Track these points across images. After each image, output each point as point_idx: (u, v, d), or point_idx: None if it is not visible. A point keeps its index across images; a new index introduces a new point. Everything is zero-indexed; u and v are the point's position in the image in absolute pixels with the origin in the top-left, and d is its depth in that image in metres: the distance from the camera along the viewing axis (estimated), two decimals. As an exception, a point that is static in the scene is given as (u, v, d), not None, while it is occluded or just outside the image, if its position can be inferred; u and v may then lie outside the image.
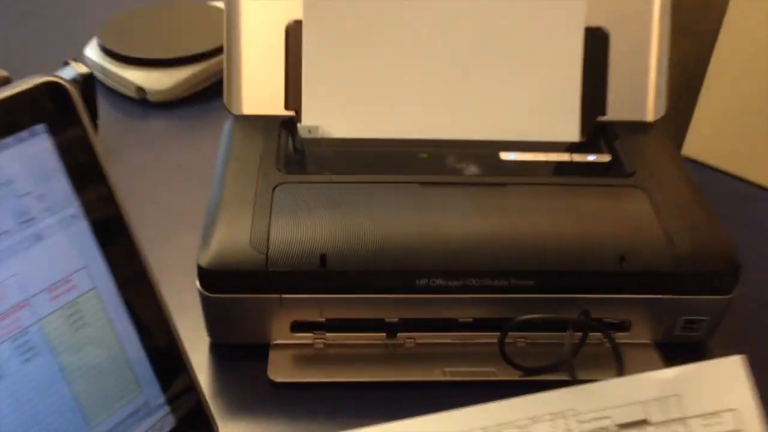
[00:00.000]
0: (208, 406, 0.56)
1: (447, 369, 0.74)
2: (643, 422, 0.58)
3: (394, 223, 0.72)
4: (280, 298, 0.76)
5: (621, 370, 0.74)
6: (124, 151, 1.08)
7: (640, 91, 0.89)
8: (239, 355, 0.73)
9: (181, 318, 0.58)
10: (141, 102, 1.18)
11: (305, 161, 0.80)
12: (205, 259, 0.68)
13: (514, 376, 0.72)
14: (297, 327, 0.74)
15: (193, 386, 0.53)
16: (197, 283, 0.68)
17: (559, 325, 0.76)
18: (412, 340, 0.77)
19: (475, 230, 0.72)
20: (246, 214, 0.71)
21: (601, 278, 0.71)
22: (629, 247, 0.70)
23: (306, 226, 0.71)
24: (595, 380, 0.62)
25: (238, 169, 0.77)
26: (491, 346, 0.73)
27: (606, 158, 0.81)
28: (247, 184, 0.74)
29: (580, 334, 0.70)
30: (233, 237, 0.70)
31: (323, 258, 0.70)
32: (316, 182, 0.75)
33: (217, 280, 0.69)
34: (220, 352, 0.74)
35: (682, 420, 0.56)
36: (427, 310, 0.73)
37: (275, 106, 0.84)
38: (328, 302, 0.73)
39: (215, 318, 0.73)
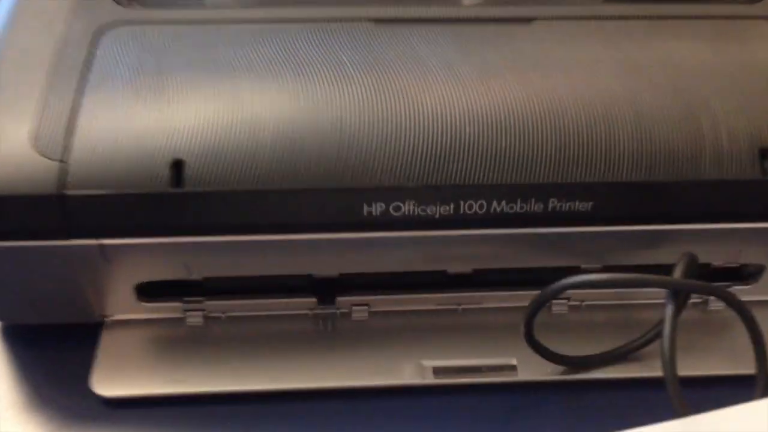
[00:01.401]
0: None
1: (426, 362, 0.45)
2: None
3: (320, 100, 0.42)
4: (100, 247, 0.39)
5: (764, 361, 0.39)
6: None
7: None
8: (50, 344, 0.46)
9: None
10: None
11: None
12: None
13: (547, 373, 0.45)
14: (149, 292, 0.46)
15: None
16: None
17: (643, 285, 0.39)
18: (364, 308, 0.48)
19: (477, 108, 0.42)
20: (33, 85, 0.42)
21: (721, 194, 0.42)
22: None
23: (149, 106, 0.41)
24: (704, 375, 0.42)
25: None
26: (505, 317, 0.47)
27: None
28: (50, 25, 0.45)
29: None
30: (4, 132, 0.40)
31: (178, 168, 0.40)
32: (181, 22, 0.46)
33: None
34: (15, 339, 0.47)
35: None
36: (387, 255, 0.44)
37: None
38: (197, 250, 0.41)
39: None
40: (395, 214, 0.40)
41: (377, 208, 0.40)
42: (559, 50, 0.44)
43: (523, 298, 0.45)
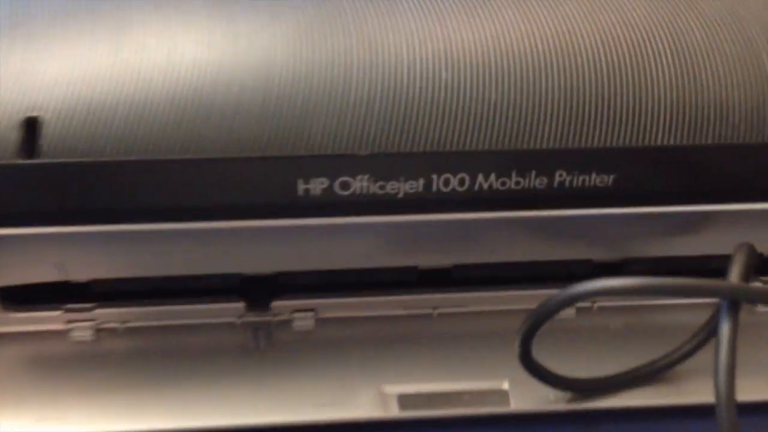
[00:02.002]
0: None
1: (389, 388, 0.34)
2: None
3: (239, 37, 0.31)
4: (-71, 240, 0.29)
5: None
6: None
7: None
8: None
9: None
10: None
11: None
12: None
13: (548, 401, 0.34)
14: (16, 298, 0.34)
15: None
16: None
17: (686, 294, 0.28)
18: (308, 314, 0.35)
19: (456, 50, 0.31)
20: None
21: None
22: None
23: None
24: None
25: None
26: (494, 324, 0.36)
27: None
28: None
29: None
30: None
31: (31, 129, 0.28)
32: None
33: None
34: None
35: None
36: (334, 250, 0.33)
37: None
38: (69, 243, 0.31)
39: None
40: (342, 193, 0.29)
41: (317, 186, 0.29)
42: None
43: (519, 299, 0.34)
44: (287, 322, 0.35)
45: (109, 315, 0.34)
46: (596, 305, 0.36)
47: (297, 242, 0.31)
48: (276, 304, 0.35)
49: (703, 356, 0.33)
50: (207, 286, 0.34)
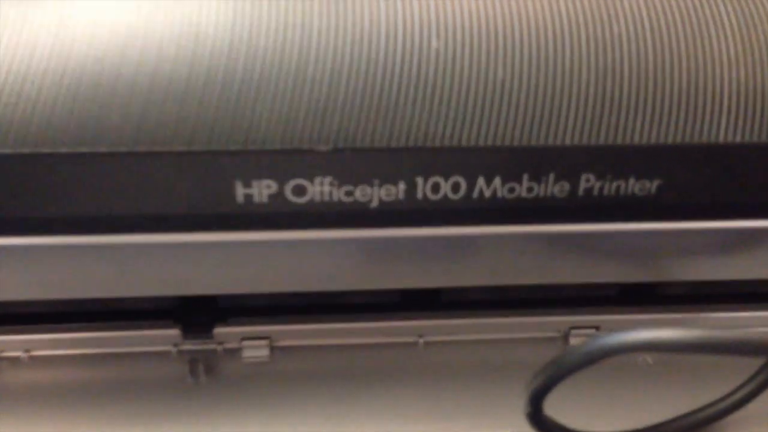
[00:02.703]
0: None
1: None
2: None
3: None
4: None
5: None
6: None
7: None
8: None
9: None
10: None
11: None
12: None
13: None
14: None
15: None
16: None
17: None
18: (262, 343, 0.27)
19: (449, 16, 0.22)
20: None
21: None
22: None
23: None
24: None
25: None
26: (495, 355, 0.29)
27: None
28: None
29: None
30: None
31: None
32: None
33: None
34: None
35: None
36: (286, 270, 0.25)
37: None
38: None
39: None
40: (297, 200, 0.22)
41: (262, 190, 0.22)
42: None
43: (526, 327, 0.27)
44: (235, 352, 0.28)
45: (9, 343, 0.27)
46: (621, 333, 0.29)
47: (240, 260, 0.24)
48: (219, 330, 0.28)
49: (760, 405, 0.26)
50: (136, 308, 0.27)
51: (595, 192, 0.22)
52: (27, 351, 0.27)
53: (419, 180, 0.22)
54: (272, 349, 0.28)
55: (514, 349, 0.29)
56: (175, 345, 0.28)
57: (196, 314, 0.27)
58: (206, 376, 0.28)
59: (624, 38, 0.22)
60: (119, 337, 0.28)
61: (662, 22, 0.22)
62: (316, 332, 0.28)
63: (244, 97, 0.21)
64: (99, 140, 0.21)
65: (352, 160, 0.21)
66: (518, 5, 0.22)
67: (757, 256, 0.25)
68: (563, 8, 0.22)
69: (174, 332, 0.28)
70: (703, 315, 0.28)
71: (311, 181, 0.21)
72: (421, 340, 0.29)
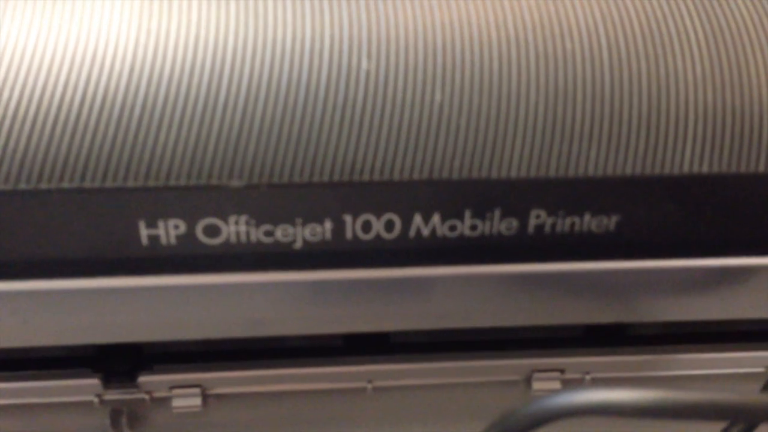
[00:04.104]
0: None
1: None
2: None
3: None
4: None
5: None
6: None
7: None
8: None
9: None
10: None
11: None
12: None
13: None
14: None
15: None
16: None
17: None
18: (193, 391, 0.26)
19: (387, 28, 0.20)
20: None
21: None
22: None
23: None
24: None
25: None
26: (451, 400, 0.27)
27: None
28: None
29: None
30: None
31: None
32: None
33: None
34: None
35: None
36: (202, 318, 0.22)
37: None
38: None
39: None
40: (209, 241, 0.19)
41: (170, 231, 0.19)
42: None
43: (484, 370, 0.25)
44: (164, 402, 0.26)
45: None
46: (590, 376, 0.27)
47: (153, 306, 0.21)
48: (145, 379, 0.25)
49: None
50: (53, 355, 0.25)
51: (547, 229, 0.20)
52: (-68, 403, 0.25)
53: (347, 218, 0.19)
54: (205, 397, 0.26)
55: (473, 394, 0.26)
56: (98, 395, 0.26)
57: (117, 362, 0.25)
58: (133, 429, 0.26)
59: (578, 56, 0.20)
60: (36, 388, 0.25)
61: (621, 37, 0.20)
62: (253, 379, 0.26)
63: (145, 125, 0.18)
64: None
65: (269, 197, 0.19)
66: (459, 18, 0.20)
67: (726, 295, 0.22)
68: (509, 22, 0.20)
69: (94, 381, 0.25)
70: (674, 356, 0.26)
71: (225, 220, 0.19)
72: (370, 386, 0.26)
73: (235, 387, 0.26)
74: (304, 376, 0.26)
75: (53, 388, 0.25)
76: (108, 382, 0.25)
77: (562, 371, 0.26)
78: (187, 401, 0.26)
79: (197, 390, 0.26)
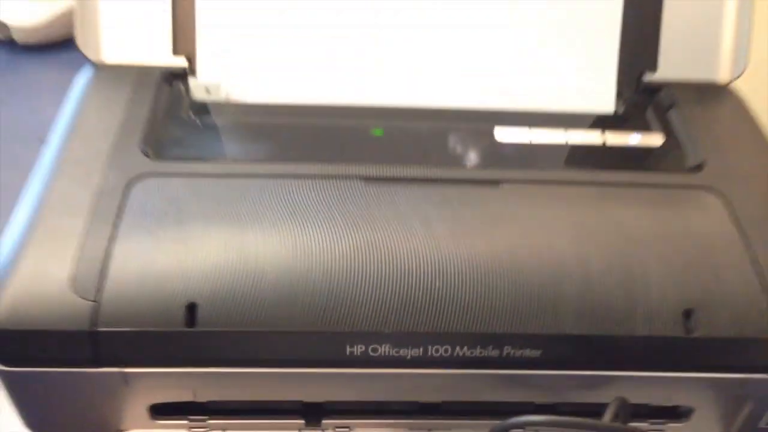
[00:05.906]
0: None
1: None
2: None
3: (313, 252, 0.48)
4: (123, 375, 0.47)
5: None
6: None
7: (710, 38, 0.61)
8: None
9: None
10: (5, 44, 0.92)
11: (190, 139, 0.57)
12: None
13: None
14: (161, 411, 0.52)
15: None
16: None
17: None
18: (346, 430, 0.54)
19: (446, 265, 0.48)
20: (72, 231, 0.49)
21: (652, 348, 0.48)
22: (699, 296, 0.48)
23: (169, 255, 0.48)
24: None
25: (79, 149, 0.53)
26: None
27: (657, 140, 0.59)
28: (87, 175, 0.51)
29: None
30: (44, 271, 0.47)
31: (192, 311, 0.46)
32: (200, 175, 0.53)
33: (16, 345, 0.47)
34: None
35: None
36: (366, 387, 0.51)
37: (155, 50, 0.61)
38: (204, 378, 0.49)
39: (26, 402, 0.50)
40: (373, 354, 0.47)
41: (358, 349, 0.47)
42: (521, 211, 0.51)
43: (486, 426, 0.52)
44: (331, 434, 0.53)
45: (216, 425, 0.52)
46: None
47: (342, 384, 0.49)
48: (325, 422, 0.52)
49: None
50: (281, 407, 0.52)
51: (511, 355, 0.47)
52: (223, 430, 0.52)
53: (429, 346, 0.47)
54: (351, 433, 0.53)
55: (481, 438, 0.53)
56: (300, 429, 0.53)
57: (311, 412, 0.52)
58: (316, 447, 0.53)
59: (525, 284, 0.48)
60: (272, 424, 0.53)
61: (536, 278, 0.49)
62: (374, 424, 0.53)
63: (352, 306, 0.47)
64: (289, 323, 0.47)
65: (399, 337, 0.47)
66: (472, 264, 0.49)
67: (593, 390, 0.50)
68: (495, 263, 0.49)
69: (300, 422, 0.52)
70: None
71: (380, 345, 0.47)
72: (430, 432, 0.54)
73: (367, 429, 0.53)
74: (397, 425, 0.53)
75: (280, 425, 0.52)
76: (307, 423, 0.52)
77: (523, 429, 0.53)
78: (342, 434, 0.53)
79: (347, 430, 0.53)
